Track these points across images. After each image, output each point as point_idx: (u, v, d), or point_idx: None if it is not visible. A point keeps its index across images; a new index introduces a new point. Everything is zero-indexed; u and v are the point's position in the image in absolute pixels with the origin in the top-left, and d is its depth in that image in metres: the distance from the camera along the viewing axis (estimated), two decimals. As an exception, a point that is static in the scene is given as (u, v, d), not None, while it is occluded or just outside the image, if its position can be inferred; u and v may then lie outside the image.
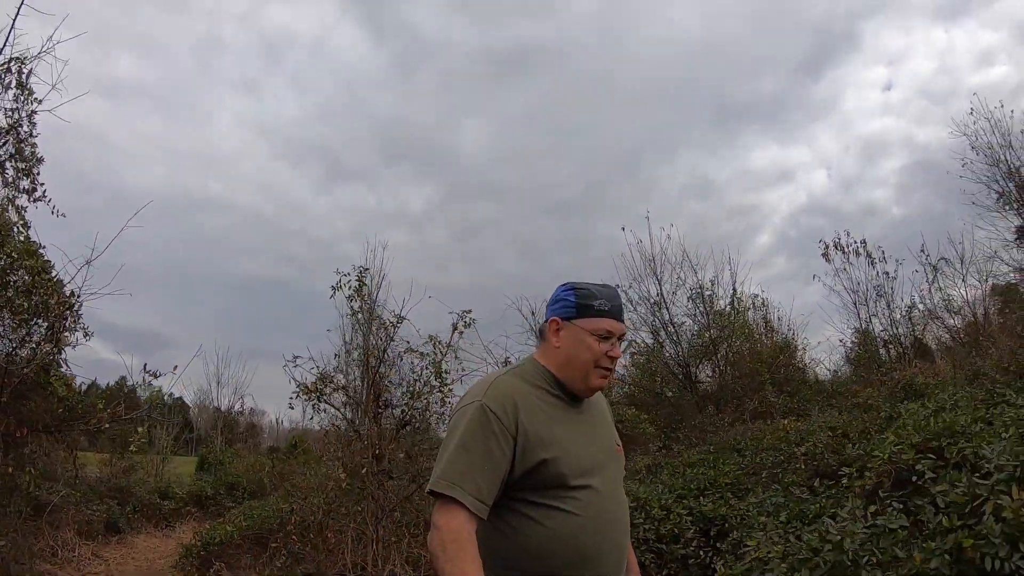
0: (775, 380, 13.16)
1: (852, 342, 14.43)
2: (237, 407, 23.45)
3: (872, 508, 3.35)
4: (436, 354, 6.14)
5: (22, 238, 5.24)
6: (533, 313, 14.06)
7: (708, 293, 14.49)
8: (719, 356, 14.11)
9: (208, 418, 26.12)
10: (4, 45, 5.51)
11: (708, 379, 14.39)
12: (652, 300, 14.57)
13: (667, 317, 14.40)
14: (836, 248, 14.19)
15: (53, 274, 5.49)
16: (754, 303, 16.29)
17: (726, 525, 5.13)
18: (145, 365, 5.98)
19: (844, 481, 4.31)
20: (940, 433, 4.21)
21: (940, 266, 13.07)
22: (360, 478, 5.65)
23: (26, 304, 5.03)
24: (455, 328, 6.54)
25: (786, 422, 8.57)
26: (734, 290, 14.49)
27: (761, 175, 35.79)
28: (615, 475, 1.75)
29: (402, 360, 6.49)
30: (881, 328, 13.64)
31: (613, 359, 1.72)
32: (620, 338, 1.74)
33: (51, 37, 6.03)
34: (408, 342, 6.61)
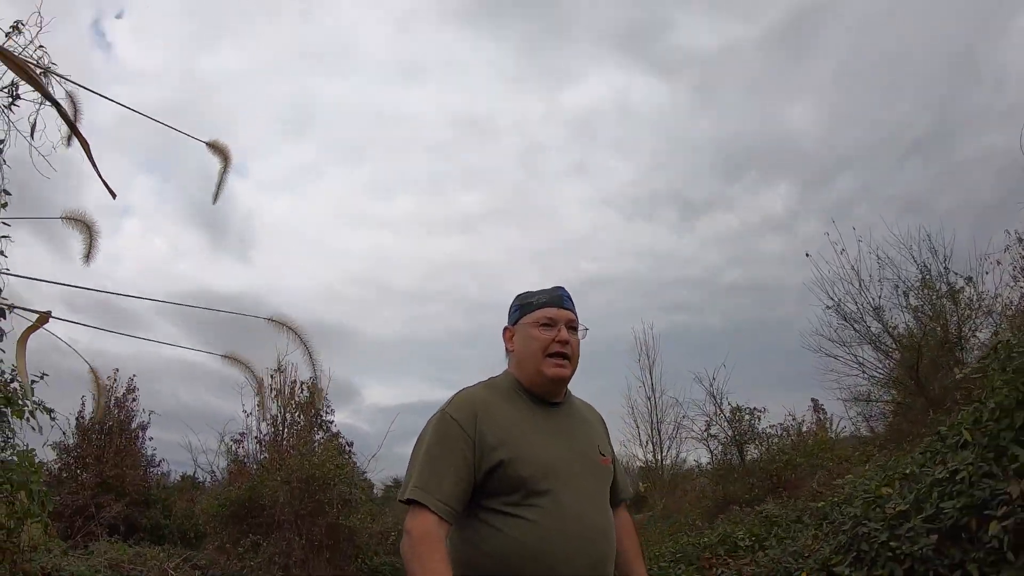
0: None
1: None
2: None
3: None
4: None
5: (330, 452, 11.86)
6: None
7: (935, 274, 12.98)
8: (962, 343, 12.30)
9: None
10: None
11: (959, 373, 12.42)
12: (867, 311, 13.81)
13: (882, 325, 13.43)
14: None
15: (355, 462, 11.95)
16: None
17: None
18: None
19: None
20: None
21: None
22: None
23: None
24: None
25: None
26: (945, 269, 12.66)
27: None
28: (589, 484, 1.72)
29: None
30: None
31: (563, 343, 1.76)
32: (570, 326, 1.80)
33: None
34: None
